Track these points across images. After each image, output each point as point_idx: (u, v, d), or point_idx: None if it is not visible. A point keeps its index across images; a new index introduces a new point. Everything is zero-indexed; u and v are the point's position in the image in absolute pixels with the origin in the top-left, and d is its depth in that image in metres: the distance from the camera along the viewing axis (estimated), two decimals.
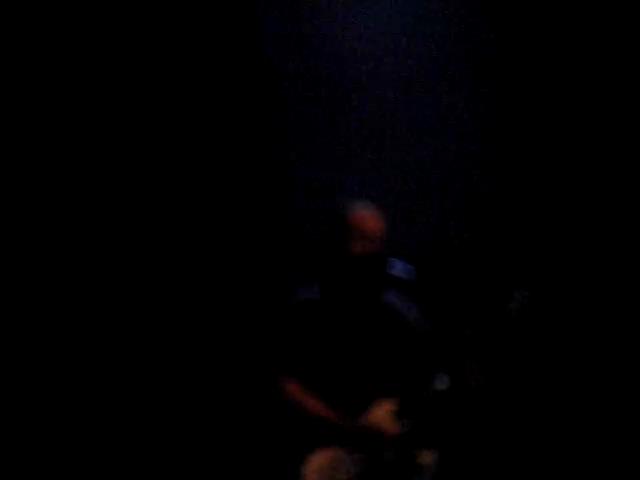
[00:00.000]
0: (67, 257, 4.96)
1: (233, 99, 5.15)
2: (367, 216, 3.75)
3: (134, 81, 5.05)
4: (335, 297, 3.76)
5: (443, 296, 4.45)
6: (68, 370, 4.90)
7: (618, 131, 5.12)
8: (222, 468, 4.90)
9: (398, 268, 3.65)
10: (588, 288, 5.05)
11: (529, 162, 5.19)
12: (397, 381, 3.71)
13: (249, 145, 5.16)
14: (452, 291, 4.78)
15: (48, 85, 4.97)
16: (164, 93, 5.08)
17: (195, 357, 5.02)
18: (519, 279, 3.64)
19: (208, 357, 5.03)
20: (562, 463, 4.98)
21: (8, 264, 4.88)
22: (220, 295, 5.08)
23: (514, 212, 5.19)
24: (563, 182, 5.15)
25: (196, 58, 5.11)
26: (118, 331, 4.95)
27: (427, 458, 3.63)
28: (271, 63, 5.17)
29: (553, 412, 5.04)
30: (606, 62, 5.12)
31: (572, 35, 5.15)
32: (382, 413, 3.62)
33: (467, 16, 5.21)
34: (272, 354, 3.73)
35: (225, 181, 5.13)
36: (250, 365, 4.77)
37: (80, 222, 4.98)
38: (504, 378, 3.87)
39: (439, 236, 5.15)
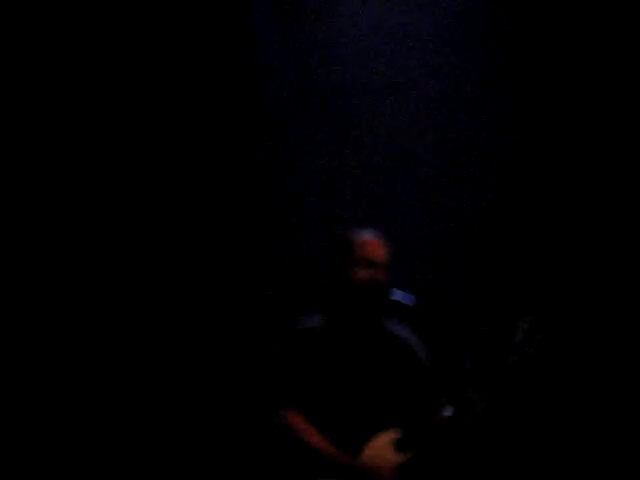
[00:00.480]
0: (62, 260, 4.99)
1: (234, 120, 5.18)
2: (372, 242, 3.75)
3: (130, 90, 5.09)
4: (338, 325, 3.73)
5: (444, 324, 4.44)
6: (66, 371, 4.92)
7: (620, 150, 5.12)
8: None
9: (400, 295, 3.65)
10: (592, 310, 5.05)
11: (531, 188, 5.20)
12: (399, 411, 3.67)
13: (252, 169, 5.19)
14: (454, 319, 4.78)
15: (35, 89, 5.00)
16: (159, 103, 5.12)
17: (196, 383, 5.04)
18: (522, 305, 3.63)
19: (210, 384, 5.04)
20: None
21: (7, 265, 4.90)
22: (223, 320, 5.10)
23: (516, 236, 5.19)
24: (563, 205, 5.16)
25: (191, 67, 5.15)
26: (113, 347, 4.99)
27: None
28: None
29: (559, 441, 5.03)
30: (607, 78, 5.15)
31: (575, 52, 5.19)
32: (382, 445, 3.57)
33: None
34: (273, 382, 3.70)
35: (227, 201, 5.16)
36: (251, 392, 4.77)
37: (70, 232, 5.01)
38: (509, 408, 3.82)
39: (440, 263, 5.15)
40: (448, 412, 3.53)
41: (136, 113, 5.11)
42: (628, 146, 5.11)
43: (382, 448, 3.57)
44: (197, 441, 5.01)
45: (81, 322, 4.97)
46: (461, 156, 5.28)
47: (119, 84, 5.09)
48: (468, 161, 5.28)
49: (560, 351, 4.86)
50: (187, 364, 5.05)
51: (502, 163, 5.25)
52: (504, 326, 3.53)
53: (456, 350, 3.92)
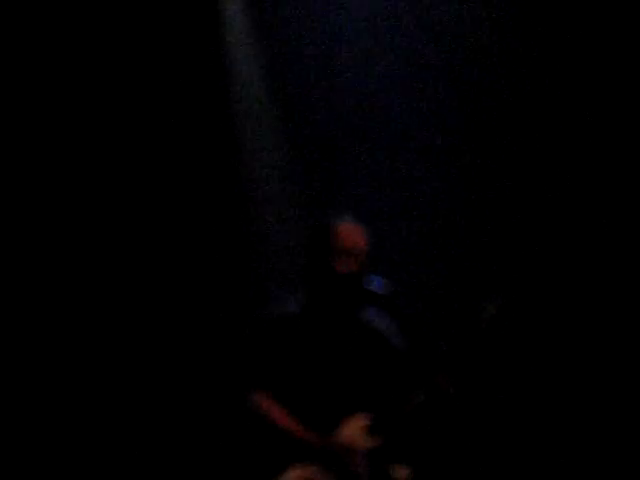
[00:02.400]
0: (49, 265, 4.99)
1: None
2: (351, 231, 3.75)
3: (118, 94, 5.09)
4: (314, 312, 3.75)
5: (418, 310, 4.48)
6: (64, 371, 4.95)
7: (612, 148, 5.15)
8: None
9: (375, 283, 3.66)
10: (561, 292, 5.05)
11: (501, 170, 5.22)
12: (372, 396, 3.71)
13: (225, 157, 5.20)
14: (427, 304, 4.79)
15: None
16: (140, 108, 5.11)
17: (175, 370, 5.05)
18: (490, 288, 3.64)
19: (188, 369, 5.06)
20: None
21: (6, 265, 4.91)
22: (197, 307, 5.11)
23: (484, 221, 5.20)
24: (533, 189, 5.18)
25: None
26: (101, 339, 4.99)
27: (401, 473, 3.64)
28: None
29: (529, 424, 5.05)
30: (607, 79, 5.15)
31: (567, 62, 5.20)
32: (354, 429, 3.61)
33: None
34: (246, 366, 3.72)
35: (200, 189, 5.15)
36: (228, 377, 4.76)
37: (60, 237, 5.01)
38: (478, 390, 3.87)
39: (414, 248, 5.16)
40: (420, 397, 3.56)
41: (113, 115, 5.11)
42: (620, 144, 5.13)
43: (354, 431, 3.60)
44: (174, 428, 5.03)
45: (68, 322, 4.99)
46: (441, 146, 5.30)
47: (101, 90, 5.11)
48: (444, 150, 5.29)
49: (529, 334, 4.89)
50: (163, 353, 5.07)
51: (479, 155, 5.26)
52: (472, 306, 3.57)
53: (430, 334, 3.94)
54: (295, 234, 5.06)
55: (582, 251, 5.08)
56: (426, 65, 5.25)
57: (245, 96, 5.26)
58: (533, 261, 5.05)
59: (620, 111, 5.10)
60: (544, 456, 5.02)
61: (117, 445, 4.95)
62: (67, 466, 4.88)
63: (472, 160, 5.23)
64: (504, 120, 5.21)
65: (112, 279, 5.04)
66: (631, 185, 5.08)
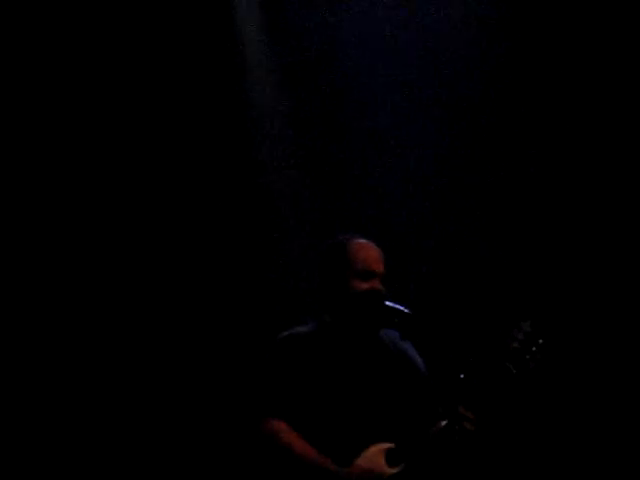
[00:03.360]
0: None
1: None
2: (370, 253, 3.63)
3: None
4: (332, 332, 3.61)
5: (440, 333, 4.35)
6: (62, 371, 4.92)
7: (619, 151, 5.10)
8: None
9: (397, 303, 3.53)
10: (592, 315, 5.00)
11: (528, 192, 5.19)
12: (393, 422, 3.54)
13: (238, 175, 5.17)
14: (450, 328, 4.73)
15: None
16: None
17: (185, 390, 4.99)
18: (518, 311, 3.55)
19: (196, 389, 5.00)
20: None
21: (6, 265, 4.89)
22: (209, 325, 5.07)
23: (511, 242, 5.15)
24: (560, 210, 5.14)
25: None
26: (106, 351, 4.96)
27: None
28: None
29: (558, 457, 4.96)
30: (606, 80, 5.12)
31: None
32: (374, 457, 3.45)
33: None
34: (259, 389, 3.56)
35: (212, 202, 5.15)
36: (238, 400, 4.61)
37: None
38: (503, 422, 3.72)
39: (435, 269, 5.12)
40: (442, 425, 3.41)
41: (124, 119, 5.10)
42: (627, 146, 5.08)
43: (373, 459, 3.45)
44: (183, 448, 4.98)
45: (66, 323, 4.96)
46: (459, 161, 5.24)
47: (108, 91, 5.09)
48: (467, 167, 5.25)
49: (561, 361, 4.76)
50: (176, 369, 5.02)
51: (500, 168, 5.22)
52: (500, 334, 3.43)
53: (452, 359, 3.80)
54: (309, 251, 4.94)
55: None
56: (432, 74, 5.28)
57: (258, 109, 5.28)
58: (562, 280, 5.01)
59: (620, 112, 5.09)
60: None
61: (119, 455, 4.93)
62: (67, 466, 4.85)
63: (493, 177, 5.22)
64: (518, 130, 5.21)
65: (121, 286, 5.04)
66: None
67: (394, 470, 3.42)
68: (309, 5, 5.25)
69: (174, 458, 4.93)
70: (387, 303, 3.53)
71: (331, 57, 5.28)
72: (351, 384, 3.54)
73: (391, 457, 3.45)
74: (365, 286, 3.55)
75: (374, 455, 3.45)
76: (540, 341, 3.38)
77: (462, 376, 3.40)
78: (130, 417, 4.93)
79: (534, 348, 3.37)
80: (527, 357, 3.37)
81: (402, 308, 3.52)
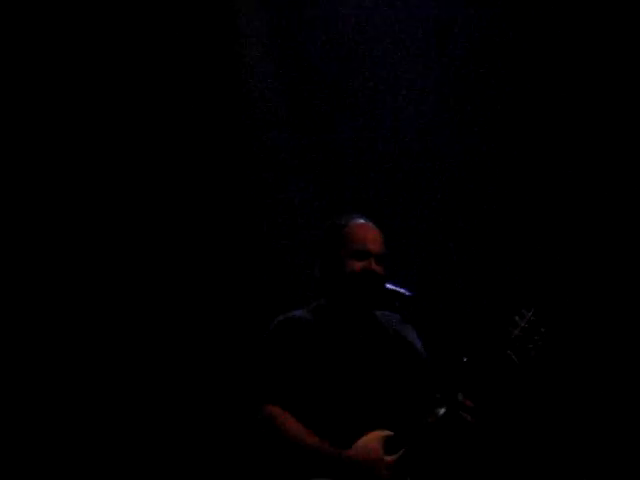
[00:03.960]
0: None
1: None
2: (368, 232, 3.57)
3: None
4: (330, 315, 3.54)
5: (441, 316, 4.31)
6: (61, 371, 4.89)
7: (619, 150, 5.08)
8: None
9: (395, 287, 3.48)
10: (595, 306, 4.96)
11: (529, 180, 5.16)
12: (392, 408, 3.48)
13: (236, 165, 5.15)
14: (451, 311, 4.69)
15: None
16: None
17: (183, 378, 4.97)
18: (520, 298, 3.52)
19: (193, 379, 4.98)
20: None
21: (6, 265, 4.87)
22: (207, 311, 5.03)
23: (514, 227, 5.12)
24: (562, 197, 5.11)
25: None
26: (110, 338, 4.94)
27: None
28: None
29: (556, 447, 4.92)
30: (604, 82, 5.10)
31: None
32: (373, 442, 3.38)
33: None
34: (257, 376, 3.49)
35: (211, 192, 5.12)
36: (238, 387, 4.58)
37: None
38: (502, 412, 3.66)
39: (436, 254, 5.08)
40: (440, 412, 3.35)
41: (124, 118, 5.08)
42: (626, 146, 5.06)
43: (371, 446, 3.38)
44: (181, 437, 4.95)
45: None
46: (459, 151, 5.21)
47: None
48: (466, 155, 5.21)
49: (562, 350, 4.73)
50: (171, 358, 4.99)
51: (500, 158, 5.17)
52: (502, 321, 3.38)
53: (453, 344, 3.75)
54: (307, 235, 4.91)
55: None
56: (435, 68, 5.26)
57: (258, 99, 5.24)
58: (566, 268, 4.97)
59: (621, 113, 5.07)
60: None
61: (118, 450, 4.90)
62: (67, 466, 4.83)
63: (504, 166, 5.20)
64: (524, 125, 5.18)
65: (120, 283, 5.01)
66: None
67: (392, 457, 3.36)
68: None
69: (173, 447, 4.93)
70: (387, 285, 3.47)
71: (331, 50, 5.26)
72: (347, 368, 3.47)
73: (389, 444, 3.39)
74: (360, 266, 3.49)
75: (372, 441, 3.39)
76: (542, 329, 3.33)
77: (465, 360, 3.35)
78: (127, 405, 4.92)
79: (536, 337, 3.32)
80: (529, 346, 3.32)
81: (403, 290, 3.46)
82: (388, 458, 3.36)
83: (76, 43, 4.98)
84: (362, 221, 3.59)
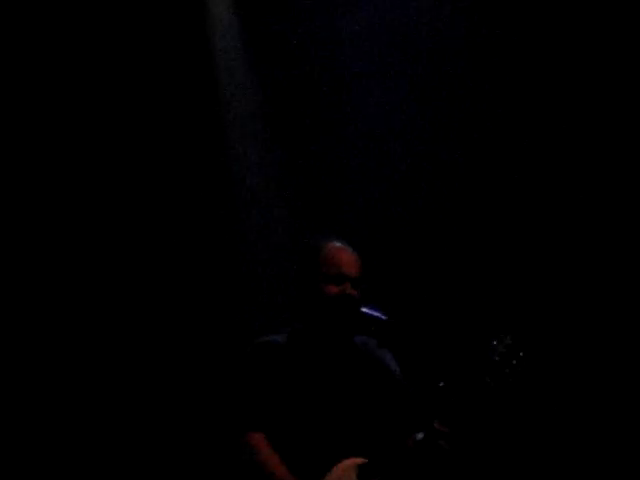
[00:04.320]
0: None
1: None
2: (344, 256, 3.53)
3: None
4: (305, 340, 3.51)
5: (418, 341, 4.28)
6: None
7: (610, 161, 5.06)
8: None
9: (371, 311, 3.43)
10: (574, 329, 4.96)
11: (509, 201, 5.14)
12: (367, 435, 3.45)
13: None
14: (428, 336, 4.66)
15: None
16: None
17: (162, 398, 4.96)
18: (499, 323, 3.48)
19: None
20: None
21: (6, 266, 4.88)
22: (183, 331, 5.02)
23: (493, 256, 5.09)
24: (542, 220, 5.09)
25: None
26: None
27: None
28: None
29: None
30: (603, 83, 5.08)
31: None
32: (345, 473, 3.35)
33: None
34: (233, 403, 3.46)
35: (188, 202, 5.12)
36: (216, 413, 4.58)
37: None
38: (480, 437, 3.63)
39: (414, 278, 5.07)
40: (416, 439, 3.31)
41: (102, 118, 5.08)
42: (619, 154, 5.04)
43: (344, 475, 3.35)
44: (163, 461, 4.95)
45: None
46: (444, 168, 5.20)
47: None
48: (450, 173, 5.20)
49: (540, 373, 4.69)
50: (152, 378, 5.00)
51: (486, 175, 5.17)
52: (479, 345, 3.35)
53: (429, 368, 3.72)
54: (285, 256, 4.95)
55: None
56: (426, 72, 5.22)
57: (236, 105, 5.24)
58: (544, 294, 4.96)
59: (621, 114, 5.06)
60: None
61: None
62: (67, 466, 4.84)
63: (475, 183, 5.18)
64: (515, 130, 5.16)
65: (100, 286, 5.01)
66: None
67: None
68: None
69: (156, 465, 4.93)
70: (363, 309, 3.43)
71: (312, 61, 5.28)
72: (322, 394, 3.45)
73: (363, 472, 3.35)
74: (336, 290, 3.45)
75: (345, 470, 3.36)
76: (520, 354, 3.30)
77: (441, 384, 3.31)
78: (105, 426, 4.93)
79: (514, 361, 3.29)
80: (506, 371, 3.29)
81: (379, 315, 3.42)
82: None
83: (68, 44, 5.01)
84: (338, 244, 3.56)
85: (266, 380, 3.43)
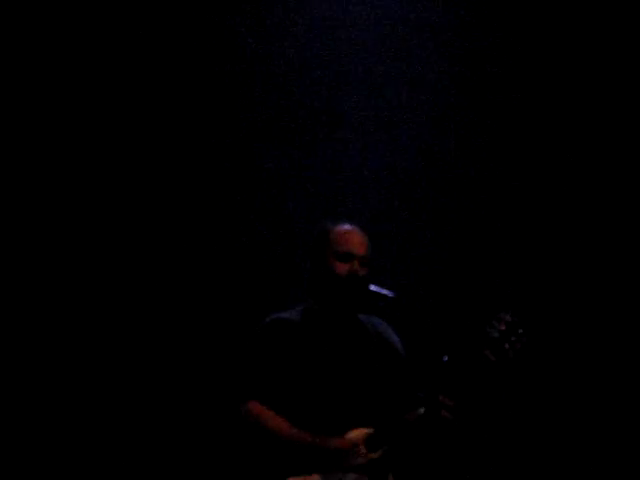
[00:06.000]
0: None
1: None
2: (352, 235, 3.65)
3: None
4: (315, 316, 3.63)
5: (422, 318, 4.38)
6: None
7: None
8: None
9: (378, 289, 3.55)
10: (575, 308, 5.01)
11: (509, 183, 5.19)
12: (373, 407, 3.57)
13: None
14: (432, 313, 4.62)
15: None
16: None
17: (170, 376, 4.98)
18: (500, 301, 3.57)
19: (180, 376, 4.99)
20: None
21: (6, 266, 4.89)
22: (196, 310, 5.05)
23: (498, 233, 5.15)
24: (543, 200, 5.14)
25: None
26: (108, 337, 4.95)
27: None
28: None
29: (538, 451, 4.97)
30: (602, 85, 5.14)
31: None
32: (353, 441, 3.46)
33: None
34: (241, 373, 3.58)
35: (201, 193, 5.12)
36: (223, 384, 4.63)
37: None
38: (483, 410, 3.74)
39: (418, 256, 5.12)
40: (421, 410, 3.43)
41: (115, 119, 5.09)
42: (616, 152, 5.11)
43: (352, 443, 3.46)
44: (167, 437, 4.97)
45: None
46: (442, 153, 5.25)
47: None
48: (449, 159, 5.25)
49: (540, 352, 4.78)
50: (163, 357, 5.01)
51: (482, 162, 5.22)
52: (480, 323, 3.44)
53: (433, 345, 3.82)
54: (300, 239, 4.95)
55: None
56: (429, 69, 5.25)
57: (253, 110, 5.24)
58: (545, 272, 5.00)
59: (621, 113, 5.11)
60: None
61: (113, 446, 4.92)
62: (67, 466, 4.85)
63: (482, 170, 5.23)
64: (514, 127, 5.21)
65: (114, 279, 5.02)
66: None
67: (373, 455, 3.44)
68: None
69: (159, 445, 4.95)
70: (371, 287, 3.54)
71: (326, 61, 5.29)
72: (330, 368, 3.55)
73: (370, 442, 3.46)
74: (344, 268, 3.58)
75: (353, 439, 3.46)
76: (520, 331, 3.39)
77: (445, 359, 3.42)
78: (109, 403, 4.94)
79: (514, 338, 3.38)
80: (506, 346, 3.38)
81: (386, 292, 3.53)
82: (368, 457, 3.44)
83: (73, 48, 5.02)
84: (347, 226, 3.69)
85: (275, 354, 3.54)
